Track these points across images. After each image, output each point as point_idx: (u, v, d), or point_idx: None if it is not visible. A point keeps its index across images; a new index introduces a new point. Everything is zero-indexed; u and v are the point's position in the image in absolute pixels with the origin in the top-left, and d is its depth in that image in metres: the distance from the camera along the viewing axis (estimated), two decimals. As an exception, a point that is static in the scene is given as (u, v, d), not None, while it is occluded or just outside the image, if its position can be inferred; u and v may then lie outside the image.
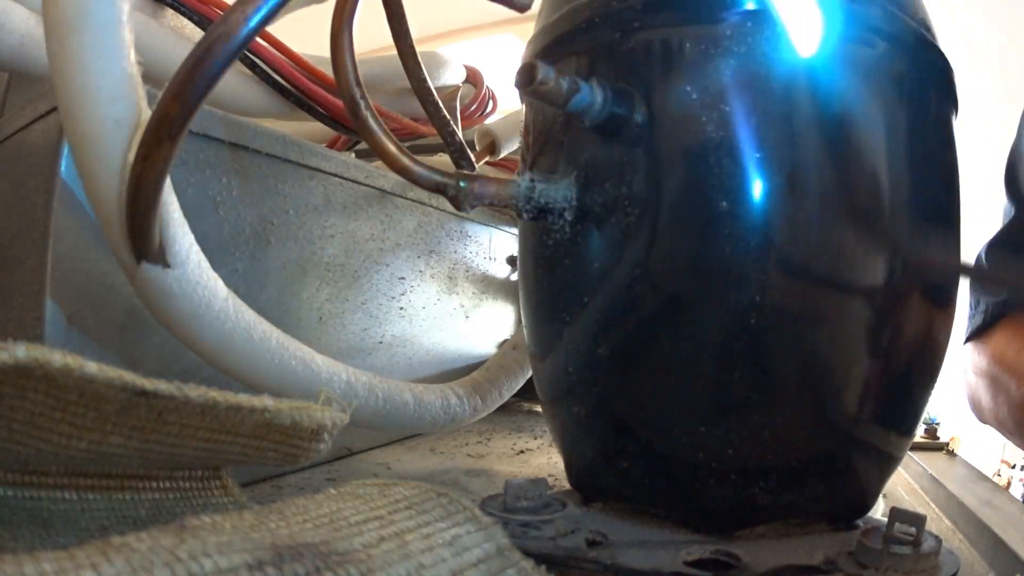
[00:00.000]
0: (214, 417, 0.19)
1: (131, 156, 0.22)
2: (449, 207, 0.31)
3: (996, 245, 0.58)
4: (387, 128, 0.27)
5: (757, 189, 0.22)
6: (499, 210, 0.56)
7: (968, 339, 0.59)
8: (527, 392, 0.42)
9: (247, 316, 0.26)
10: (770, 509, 0.24)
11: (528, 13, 0.32)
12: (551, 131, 0.26)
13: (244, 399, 0.20)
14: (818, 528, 0.24)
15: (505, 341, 0.54)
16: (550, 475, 0.39)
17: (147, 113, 0.23)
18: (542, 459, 0.44)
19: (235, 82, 0.41)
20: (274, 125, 0.37)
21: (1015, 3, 1.55)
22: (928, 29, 0.25)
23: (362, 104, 0.28)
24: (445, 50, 0.55)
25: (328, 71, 0.37)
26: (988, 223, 0.63)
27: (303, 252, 0.37)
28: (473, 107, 0.56)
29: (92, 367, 0.16)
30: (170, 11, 0.41)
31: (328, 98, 0.43)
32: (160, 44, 0.37)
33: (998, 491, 0.34)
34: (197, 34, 0.41)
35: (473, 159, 0.42)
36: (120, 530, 0.20)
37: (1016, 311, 0.54)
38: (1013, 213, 0.59)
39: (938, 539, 0.21)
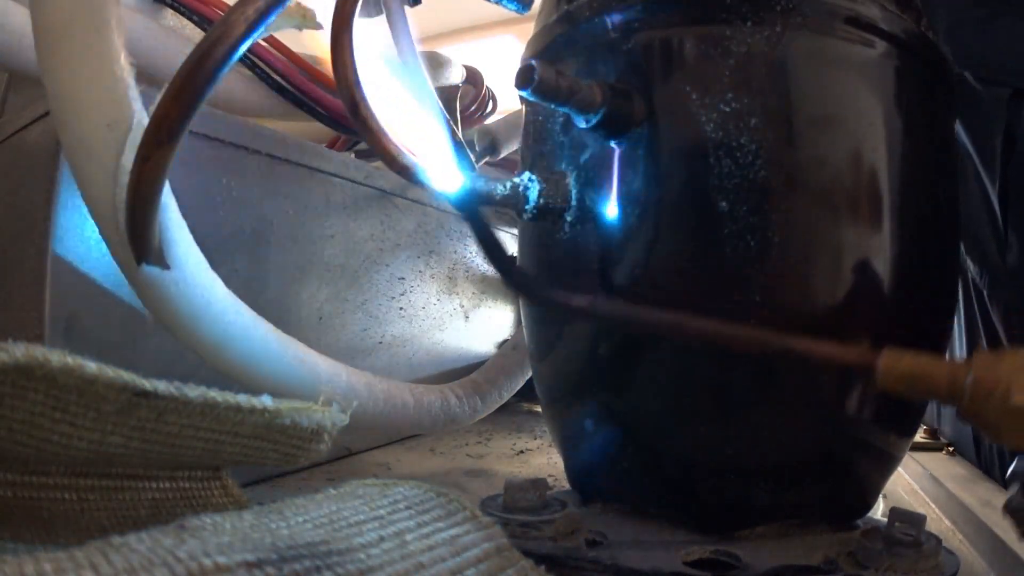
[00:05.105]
0: (214, 417, 0.19)
1: (124, 159, 0.22)
2: (449, 207, 0.31)
3: None
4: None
5: (757, 189, 0.22)
6: (499, 210, 0.56)
7: None
8: (527, 392, 0.42)
9: (247, 316, 0.26)
10: (770, 509, 0.24)
11: (528, 14, 0.32)
12: (551, 131, 0.26)
13: (244, 399, 0.19)
14: (818, 528, 0.24)
15: (505, 341, 0.55)
16: (550, 475, 0.39)
17: (140, 115, 0.23)
18: (542, 459, 0.44)
19: (235, 82, 0.41)
20: (274, 125, 0.37)
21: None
22: (928, 29, 0.25)
23: (362, 104, 0.28)
24: (445, 50, 0.55)
25: (328, 71, 0.37)
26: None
27: (303, 252, 0.37)
28: (473, 107, 0.56)
29: (92, 367, 0.16)
30: (170, 11, 0.41)
31: (328, 98, 0.43)
32: (160, 44, 0.37)
33: (998, 491, 0.34)
34: (197, 34, 0.41)
35: (473, 159, 0.42)
36: (120, 530, 0.20)
37: None
38: None
39: (938, 539, 0.21)
